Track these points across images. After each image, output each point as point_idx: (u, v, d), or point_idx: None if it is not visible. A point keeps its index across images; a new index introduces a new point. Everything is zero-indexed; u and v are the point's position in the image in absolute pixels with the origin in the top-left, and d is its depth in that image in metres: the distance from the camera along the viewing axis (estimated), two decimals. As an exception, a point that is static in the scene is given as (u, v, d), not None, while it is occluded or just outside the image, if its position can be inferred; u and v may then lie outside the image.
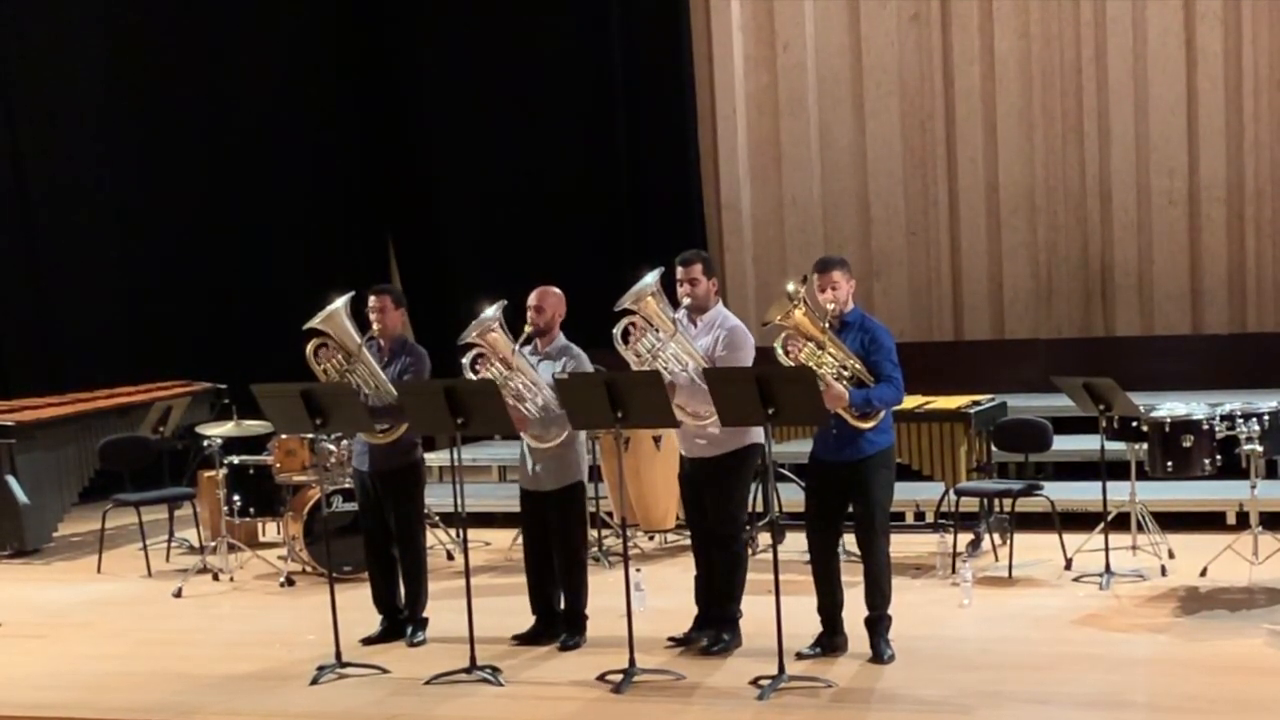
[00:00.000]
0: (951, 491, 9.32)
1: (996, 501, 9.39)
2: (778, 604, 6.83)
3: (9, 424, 10.97)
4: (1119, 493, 9.01)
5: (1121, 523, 9.01)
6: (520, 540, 8.29)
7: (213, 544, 10.10)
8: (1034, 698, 6.67)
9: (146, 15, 13.84)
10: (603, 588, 8.29)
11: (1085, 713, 6.45)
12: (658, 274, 7.44)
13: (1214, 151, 13.04)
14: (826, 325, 7.03)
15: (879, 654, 7.20)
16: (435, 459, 10.97)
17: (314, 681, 7.38)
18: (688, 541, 8.43)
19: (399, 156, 15.55)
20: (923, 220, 13.98)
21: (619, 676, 7.05)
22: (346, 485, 9.40)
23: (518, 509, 8.03)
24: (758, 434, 7.33)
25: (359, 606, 8.19)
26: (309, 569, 9.73)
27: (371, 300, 8.05)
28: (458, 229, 15.33)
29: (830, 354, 7.00)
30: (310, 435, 9.10)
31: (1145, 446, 8.54)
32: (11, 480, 10.94)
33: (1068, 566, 8.91)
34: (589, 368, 7.72)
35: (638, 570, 8.42)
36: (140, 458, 10.83)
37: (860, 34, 13.96)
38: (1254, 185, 13.00)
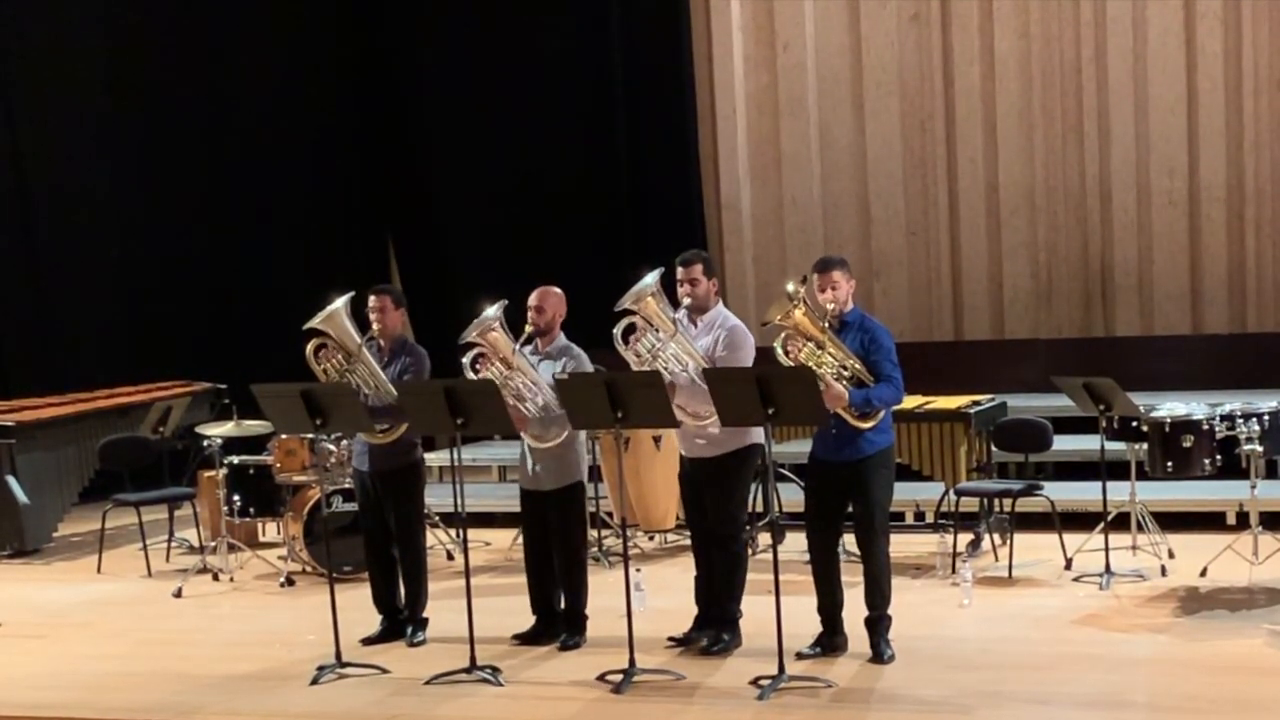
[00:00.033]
0: (951, 491, 9.32)
1: (996, 501, 9.39)
2: (778, 604, 6.83)
3: (9, 424, 10.97)
4: (1119, 493, 9.01)
5: (1121, 523, 9.01)
6: (520, 540, 8.29)
7: (213, 544, 10.10)
8: (1034, 698, 6.67)
9: (146, 15, 13.84)
10: (603, 588, 8.29)
11: (1085, 713, 6.44)
12: (658, 274, 7.44)
13: (1214, 152, 13.04)
14: (826, 325, 7.03)
15: (879, 654, 7.20)
16: (435, 459, 10.98)
17: (314, 681, 7.38)
18: (688, 541, 8.43)
19: (399, 156, 15.55)
20: (923, 220, 13.98)
21: (619, 676, 7.05)
22: (346, 485, 9.40)
23: (518, 509, 8.03)
24: (758, 434, 7.33)
25: (359, 606, 8.19)
26: (309, 569, 9.73)
27: (371, 300, 8.05)
28: (458, 229, 15.33)
29: (830, 354, 7.00)
30: (310, 435, 9.10)
31: (1145, 446, 8.53)
32: (11, 480, 10.94)
33: (1068, 566, 8.91)
34: (589, 368, 7.72)
35: (638, 570, 8.42)
36: (140, 458, 10.83)
37: (860, 34, 13.96)
38: (1254, 185, 13.00)
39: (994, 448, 9.64)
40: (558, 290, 7.83)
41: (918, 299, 14.02)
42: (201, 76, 14.28)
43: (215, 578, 9.87)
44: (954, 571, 8.74)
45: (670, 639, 7.67)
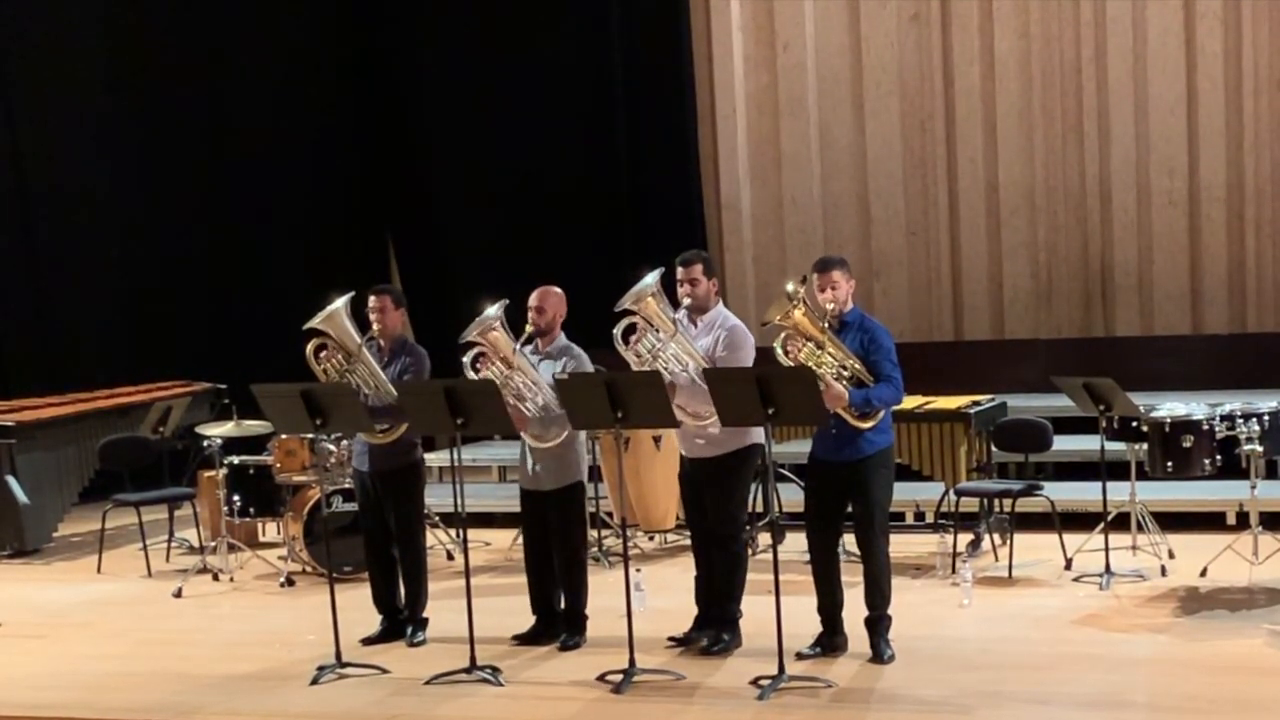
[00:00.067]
0: (951, 491, 9.32)
1: (996, 501, 9.39)
2: (778, 604, 6.83)
3: (9, 424, 10.97)
4: (1119, 493, 9.01)
5: (1121, 523, 9.01)
6: (520, 540, 8.29)
7: (213, 544, 10.10)
8: (1034, 698, 6.67)
9: (146, 15, 13.85)
10: (603, 588, 8.29)
11: (1085, 713, 6.45)
12: (658, 274, 7.44)
13: (1214, 152, 13.04)
14: (826, 325, 7.03)
15: (879, 654, 7.20)
16: (435, 459, 10.97)
17: (314, 681, 7.38)
18: (688, 541, 8.43)
19: (399, 156, 15.55)
20: (923, 220, 13.98)
21: (619, 676, 7.05)
22: (346, 485, 9.40)
23: (518, 509, 8.03)
24: (758, 434, 7.33)
25: (359, 606, 8.19)
26: (309, 569, 9.73)
27: (371, 300, 8.05)
28: (458, 229, 15.33)
29: (830, 354, 7.00)
30: (310, 435, 9.10)
31: (1145, 446, 8.53)
32: (11, 480, 10.94)
33: (1068, 566, 8.91)
34: (589, 368, 7.72)
35: (638, 570, 8.42)
36: (140, 458, 10.83)
37: (860, 34, 13.96)
38: (1254, 185, 13.00)
39: (994, 448, 9.64)
40: (558, 290, 7.83)
41: (918, 299, 14.02)
42: (201, 76, 14.28)
43: (215, 578, 9.87)
44: (954, 571, 8.74)
45: (670, 639, 7.67)
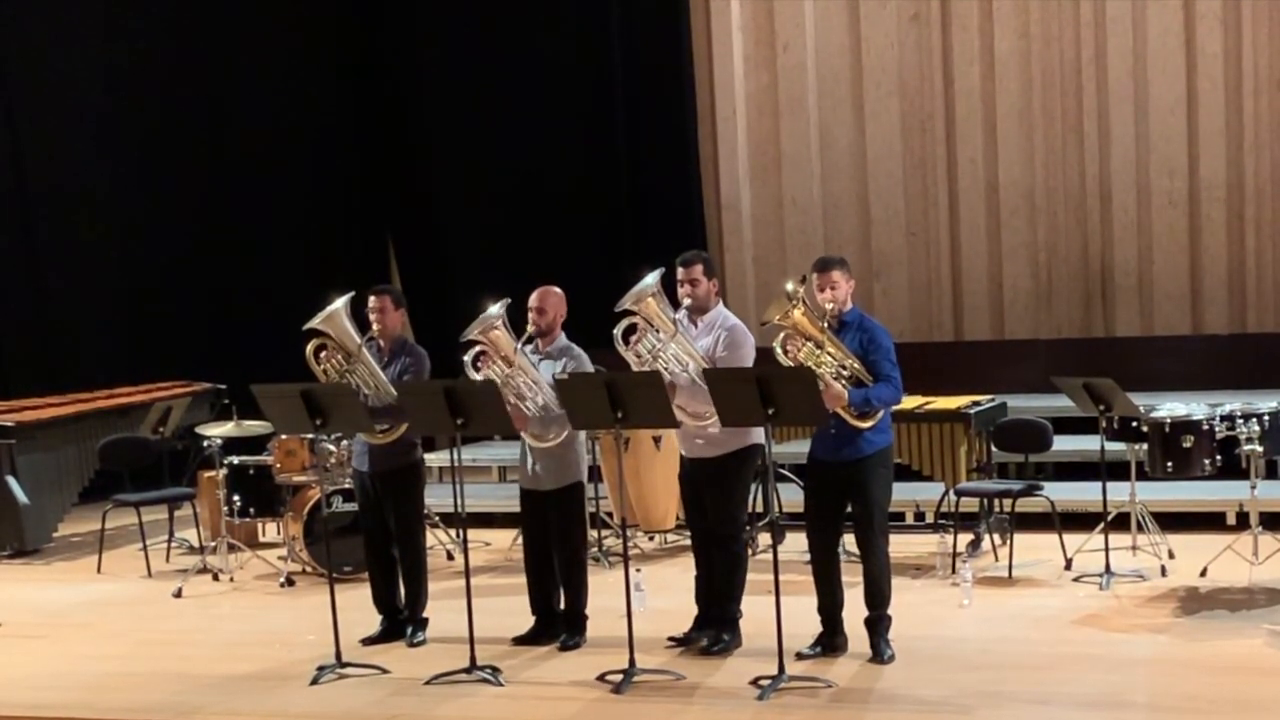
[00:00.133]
0: (951, 492, 9.32)
1: (996, 502, 9.39)
2: (778, 604, 6.83)
3: (9, 424, 10.97)
4: (1119, 493, 9.01)
5: (1121, 523, 9.01)
6: (520, 540, 8.29)
7: (213, 544, 10.10)
8: (1034, 698, 6.67)
9: (146, 15, 13.85)
10: (603, 588, 8.29)
11: (1085, 713, 6.45)
12: (658, 275, 7.44)
13: (1214, 152, 13.04)
14: (825, 325, 7.03)
15: (879, 654, 7.20)
16: (435, 459, 10.97)
17: (314, 681, 7.38)
18: (688, 541, 8.43)
19: (399, 156, 15.55)
20: (923, 221, 13.98)
21: (619, 676, 7.05)
22: (346, 485, 9.40)
23: (518, 509, 8.03)
24: (758, 434, 7.33)
25: (359, 606, 8.19)
26: (309, 569, 9.73)
27: (371, 300, 8.05)
28: (458, 229, 15.33)
29: (829, 353, 7.00)
30: (310, 435, 9.10)
31: (1145, 447, 8.53)
32: (11, 480, 10.94)
33: (1068, 566, 8.91)
34: (590, 368, 7.72)
35: (638, 570, 8.42)
36: (140, 458, 10.83)
37: (860, 34, 13.96)
38: (1254, 185, 13.00)
39: (994, 448, 9.64)
40: (558, 290, 7.82)
41: (918, 299, 14.01)
42: (201, 77, 14.28)
43: (215, 578, 9.87)
44: (954, 571, 8.74)
45: (670, 639, 7.67)
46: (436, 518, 10.34)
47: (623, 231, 14.57)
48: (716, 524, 7.50)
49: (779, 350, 7.02)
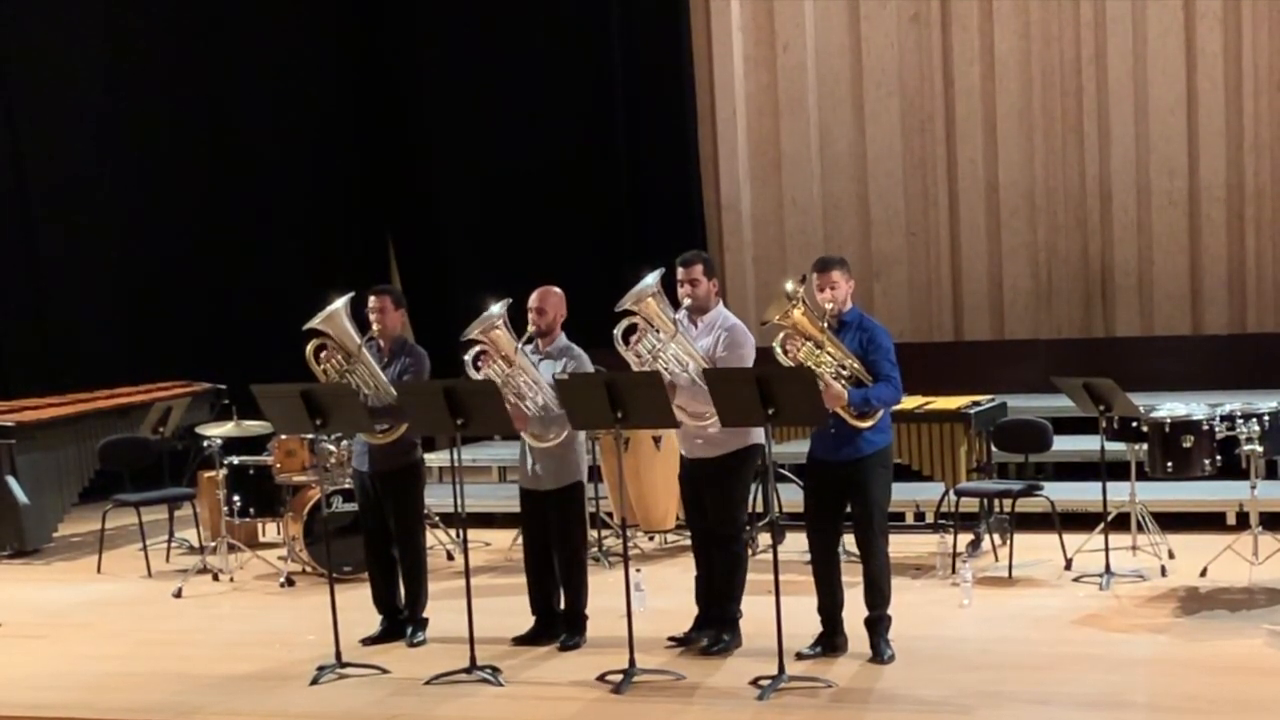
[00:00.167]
0: (951, 492, 9.32)
1: (996, 502, 9.39)
2: (778, 604, 6.83)
3: (9, 424, 10.97)
4: (1119, 493, 9.01)
5: (1121, 523, 9.01)
6: (520, 540, 8.29)
7: (213, 544, 10.10)
8: (1034, 698, 6.67)
9: (147, 15, 13.85)
10: (603, 588, 8.29)
11: (1085, 713, 6.45)
12: (658, 275, 7.44)
13: (1214, 152, 13.04)
14: (825, 325, 7.03)
15: (879, 654, 7.20)
16: (435, 459, 10.98)
17: (314, 681, 7.39)
18: (688, 541, 8.43)
19: (399, 156, 15.54)
20: (923, 221, 13.98)
21: (619, 676, 7.05)
22: (346, 485, 9.40)
23: (518, 509, 8.03)
24: (758, 434, 7.33)
25: (359, 606, 8.19)
26: (309, 569, 9.73)
27: (371, 300, 8.05)
28: (458, 229, 15.33)
29: (829, 353, 7.00)
30: (310, 436, 9.10)
31: (1145, 447, 8.53)
32: (11, 480, 10.94)
33: (1068, 567, 8.91)
34: (590, 368, 7.72)
35: (638, 570, 8.42)
36: (140, 458, 10.83)
37: (860, 34, 13.96)
38: (1254, 185, 13.00)
39: (994, 448, 9.64)
40: (558, 290, 7.82)
41: (918, 299, 14.01)
42: (201, 76, 14.28)
43: (215, 578, 9.87)
44: (954, 571, 8.74)
45: (670, 639, 7.67)
46: (436, 518, 10.34)
47: (623, 231, 14.57)
48: (716, 524, 7.50)
49: (779, 350, 7.03)
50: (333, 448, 9.63)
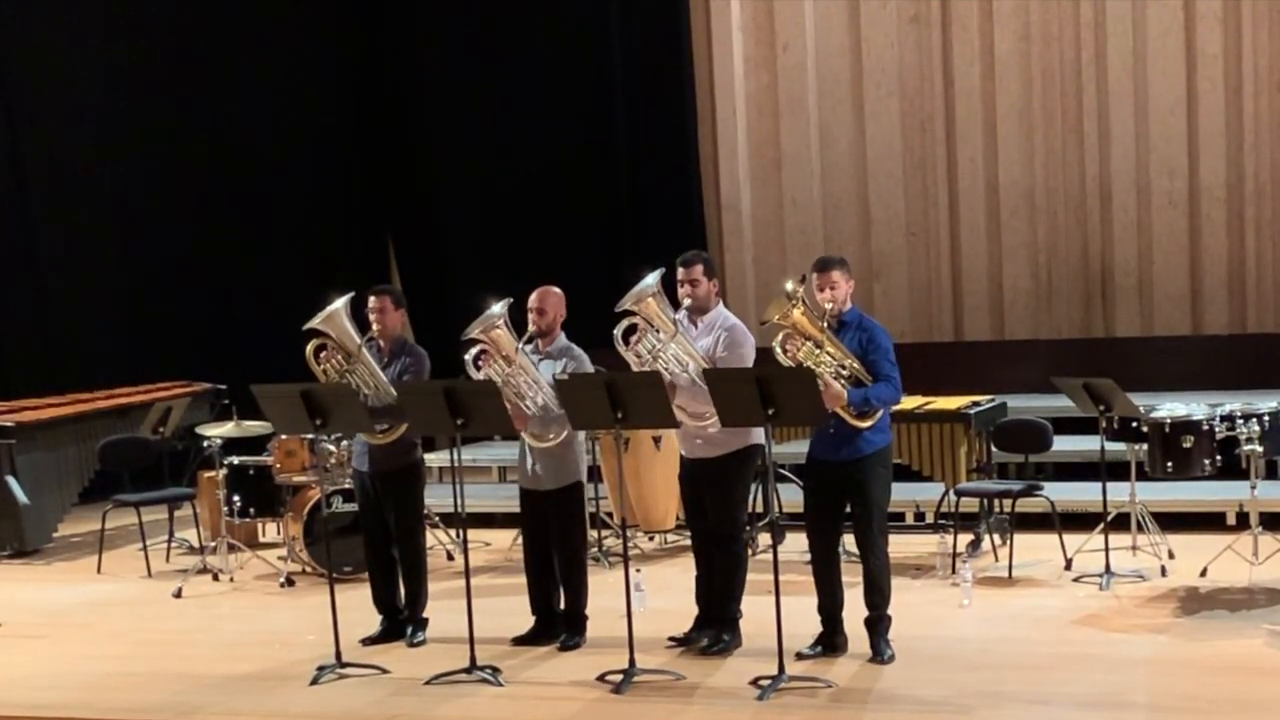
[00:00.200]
0: (951, 492, 9.32)
1: (996, 502, 9.39)
2: (778, 604, 6.83)
3: (9, 424, 10.97)
4: (1119, 493, 9.01)
5: (1121, 523, 9.01)
6: (520, 540, 8.29)
7: (213, 544, 10.10)
8: (1034, 698, 6.67)
9: (146, 15, 13.84)
10: (603, 588, 8.29)
11: (1085, 713, 6.45)
12: (658, 275, 7.44)
13: (1214, 152, 13.04)
14: (825, 324, 7.03)
15: (879, 654, 7.20)
16: (435, 459, 10.98)
17: (314, 681, 7.39)
18: (688, 541, 8.44)
19: (399, 156, 15.55)
20: (923, 221, 13.98)
21: (619, 676, 7.05)
22: (346, 485, 9.40)
23: (518, 509, 8.03)
24: (758, 434, 7.33)
25: (359, 606, 8.19)
26: (309, 569, 9.73)
27: (371, 301, 8.05)
28: (458, 229, 15.33)
29: (828, 353, 7.00)
30: (310, 436, 9.10)
31: (1145, 447, 8.53)
32: (11, 480, 10.94)
33: (1068, 567, 8.91)
34: (590, 368, 7.72)
35: (638, 570, 8.42)
36: (140, 458, 10.83)
37: (860, 34, 13.96)
38: (1254, 185, 13.01)
39: (994, 448, 9.64)
40: (558, 290, 7.82)
41: (918, 299, 14.01)
42: (201, 76, 14.27)
43: (215, 578, 9.87)
44: (954, 572, 8.74)
45: (670, 639, 7.67)
46: (436, 518, 10.34)
47: (623, 231, 14.57)
48: (716, 524, 7.50)
49: (779, 350, 7.03)
50: (333, 448, 9.63)
